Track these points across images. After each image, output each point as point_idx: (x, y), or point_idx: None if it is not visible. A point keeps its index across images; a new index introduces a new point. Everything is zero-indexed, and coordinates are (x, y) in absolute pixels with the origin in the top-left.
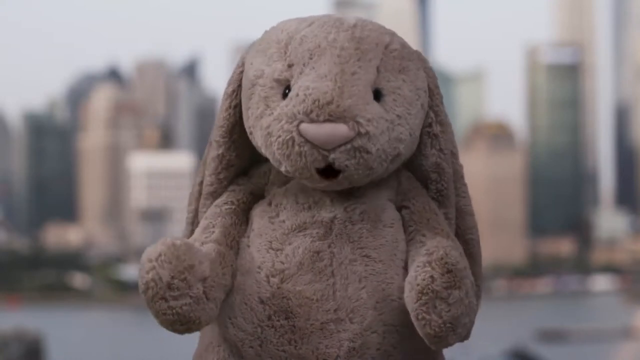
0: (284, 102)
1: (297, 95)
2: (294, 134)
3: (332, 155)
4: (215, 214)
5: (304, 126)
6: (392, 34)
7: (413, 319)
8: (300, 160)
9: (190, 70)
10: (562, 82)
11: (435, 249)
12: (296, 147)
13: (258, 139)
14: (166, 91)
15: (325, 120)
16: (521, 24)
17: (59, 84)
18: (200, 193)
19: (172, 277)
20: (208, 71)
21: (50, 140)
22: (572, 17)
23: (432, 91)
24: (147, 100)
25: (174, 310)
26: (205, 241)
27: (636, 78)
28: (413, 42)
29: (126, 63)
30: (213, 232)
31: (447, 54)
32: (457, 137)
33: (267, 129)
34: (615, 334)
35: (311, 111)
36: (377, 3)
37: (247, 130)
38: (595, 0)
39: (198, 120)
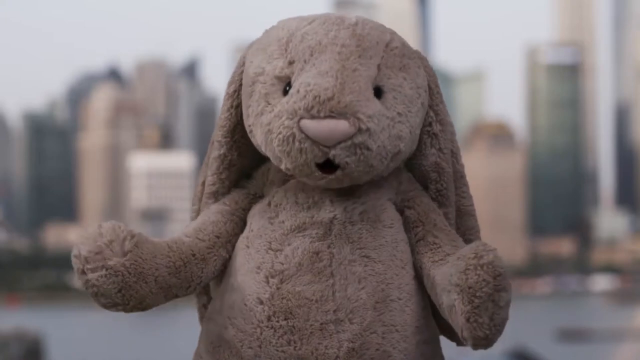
0: (285, 99)
1: (298, 91)
2: (295, 130)
3: (332, 152)
4: (203, 213)
5: (305, 122)
6: (393, 33)
7: (461, 321)
8: (300, 156)
9: (190, 70)
10: (562, 82)
11: (484, 252)
12: (297, 144)
13: (258, 137)
14: (166, 91)
15: (326, 117)
16: (521, 24)
17: (59, 84)
18: (202, 193)
19: (89, 252)
20: (208, 71)
21: (50, 140)
22: (572, 17)
23: (432, 90)
24: (147, 100)
25: (90, 283)
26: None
27: (636, 78)
28: (413, 42)
29: (126, 63)
30: (188, 226)
31: (447, 54)
32: (457, 137)
33: (267, 126)
34: (622, 334)
35: (312, 107)
36: (377, 3)
37: (247, 129)
38: (595, 0)
39: (198, 120)
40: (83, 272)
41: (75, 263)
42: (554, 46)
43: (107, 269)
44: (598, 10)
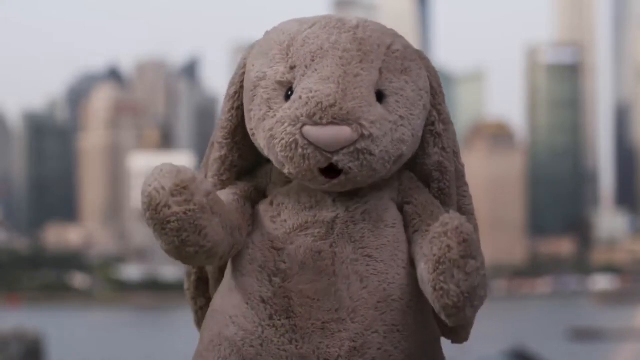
0: (287, 105)
1: (300, 97)
2: (298, 136)
3: (335, 157)
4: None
5: (308, 129)
6: (394, 35)
7: (429, 291)
8: (303, 162)
9: (190, 70)
10: (562, 82)
11: (450, 219)
12: (299, 150)
13: (261, 141)
14: (166, 91)
15: (328, 123)
16: (521, 24)
17: (59, 84)
18: None
19: (175, 185)
20: (208, 71)
21: (50, 140)
22: (572, 17)
23: (435, 89)
24: (147, 100)
25: (178, 216)
26: None
27: (636, 78)
28: (413, 43)
29: (126, 63)
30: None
31: (447, 54)
32: (457, 137)
33: (269, 132)
34: (622, 334)
35: (314, 114)
36: (378, 4)
37: (249, 132)
38: (595, 0)
39: (198, 120)
40: (166, 206)
41: (156, 196)
42: (554, 46)
43: (195, 204)
44: (598, 10)
